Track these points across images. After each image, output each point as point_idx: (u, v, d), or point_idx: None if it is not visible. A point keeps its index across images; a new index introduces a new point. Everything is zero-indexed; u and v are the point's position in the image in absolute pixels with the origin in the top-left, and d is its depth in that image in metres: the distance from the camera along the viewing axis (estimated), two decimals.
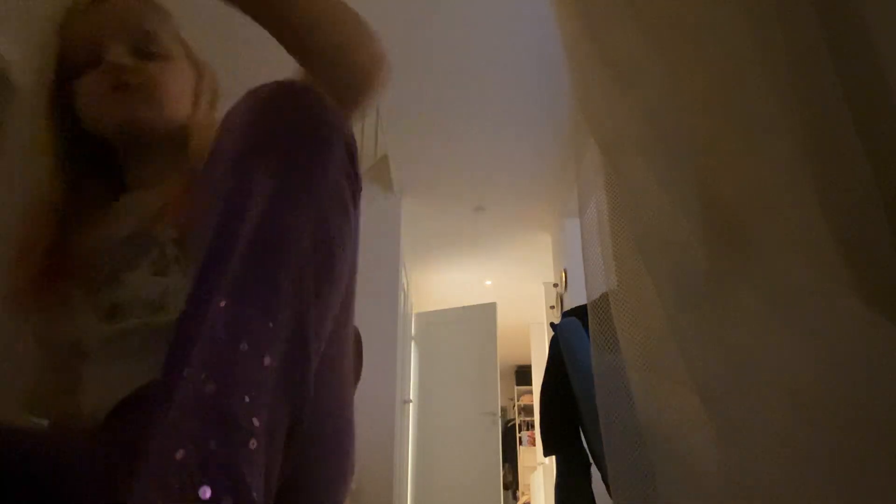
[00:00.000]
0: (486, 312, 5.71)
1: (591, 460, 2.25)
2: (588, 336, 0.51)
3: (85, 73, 0.82)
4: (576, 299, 4.58)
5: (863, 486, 0.36)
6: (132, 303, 0.75)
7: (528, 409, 8.20)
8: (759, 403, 0.38)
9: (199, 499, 0.36)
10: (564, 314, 2.37)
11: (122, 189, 0.86)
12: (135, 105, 0.80)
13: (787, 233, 0.42)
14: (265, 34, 0.74)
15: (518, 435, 8.33)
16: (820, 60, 0.44)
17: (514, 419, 8.54)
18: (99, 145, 0.85)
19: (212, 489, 0.37)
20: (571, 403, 2.00)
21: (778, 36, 0.46)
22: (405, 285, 4.80)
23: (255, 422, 0.41)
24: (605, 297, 0.50)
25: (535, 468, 6.65)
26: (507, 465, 7.42)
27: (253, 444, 0.40)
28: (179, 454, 0.38)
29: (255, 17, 0.69)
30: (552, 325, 2.25)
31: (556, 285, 5.52)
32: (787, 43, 0.46)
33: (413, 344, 5.54)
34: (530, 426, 8.27)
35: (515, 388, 8.79)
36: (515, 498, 7.65)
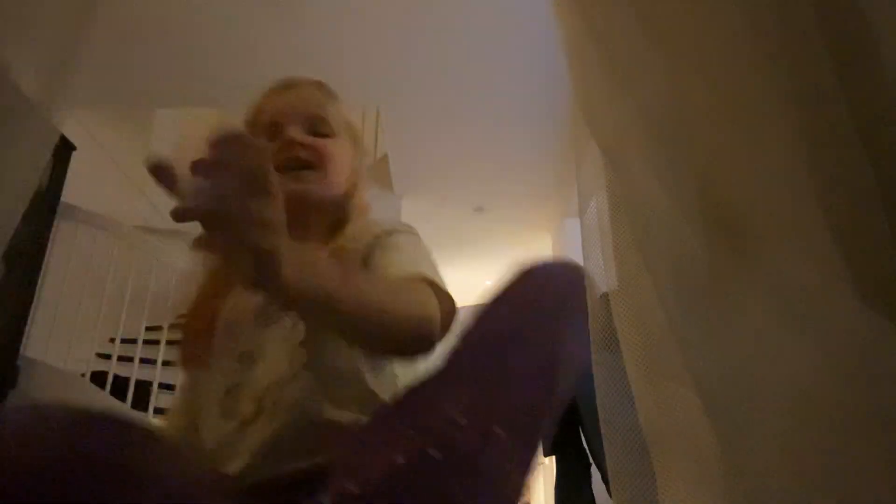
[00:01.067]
0: None
1: (591, 460, 2.25)
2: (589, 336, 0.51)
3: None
4: None
5: (864, 488, 0.36)
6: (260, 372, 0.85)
7: None
8: (760, 404, 0.38)
9: None
10: None
11: None
12: (303, 176, 0.94)
13: (787, 234, 0.42)
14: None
15: None
16: (820, 62, 0.44)
17: None
18: None
19: None
20: (571, 404, 2.00)
21: (778, 38, 0.46)
22: None
23: None
24: (605, 298, 0.50)
25: None
26: None
27: None
28: None
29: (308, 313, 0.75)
30: None
31: None
32: (787, 45, 0.46)
33: None
34: None
35: None
36: None
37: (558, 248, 5.49)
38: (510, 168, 4.75)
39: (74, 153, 3.57)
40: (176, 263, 4.11)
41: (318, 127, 0.99)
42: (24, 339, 3.43)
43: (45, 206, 3.47)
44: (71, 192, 3.67)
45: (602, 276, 0.52)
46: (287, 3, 3.19)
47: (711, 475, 0.40)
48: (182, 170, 0.57)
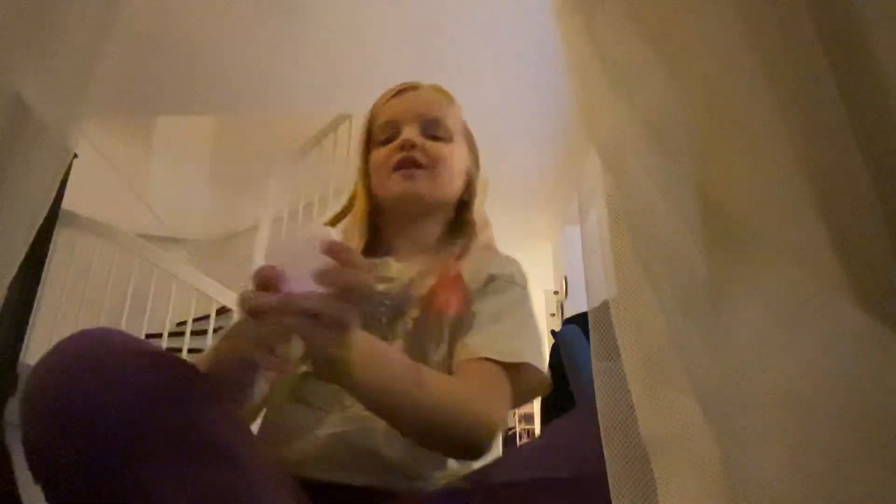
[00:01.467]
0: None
1: None
2: (589, 344, 0.51)
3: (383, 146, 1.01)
4: (577, 307, 4.58)
5: (866, 496, 0.35)
6: None
7: (528, 418, 8.17)
8: (760, 412, 0.38)
9: None
10: (565, 322, 2.37)
11: (371, 251, 1.03)
12: (415, 175, 0.97)
13: (786, 240, 0.42)
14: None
15: (519, 443, 8.30)
16: (818, 68, 0.44)
17: (514, 427, 8.51)
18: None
19: None
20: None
21: (777, 44, 0.46)
22: None
23: None
24: (605, 305, 0.50)
25: None
26: None
27: None
28: None
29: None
30: (553, 332, 2.25)
31: (556, 293, 5.52)
32: (785, 49, 0.46)
33: None
34: (531, 434, 8.24)
35: None
36: None
37: (559, 255, 5.49)
38: (510, 176, 4.76)
39: (75, 160, 3.57)
40: (176, 271, 4.11)
41: (435, 130, 1.02)
42: (24, 346, 3.43)
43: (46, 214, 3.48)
44: (71, 200, 3.68)
45: (602, 284, 0.52)
46: (288, 12, 3.20)
47: (712, 483, 0.40)
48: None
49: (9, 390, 3.16)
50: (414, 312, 0.89)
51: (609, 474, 0.45)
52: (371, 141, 1.06)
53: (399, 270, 0.96)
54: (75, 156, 3.53)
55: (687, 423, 0.42)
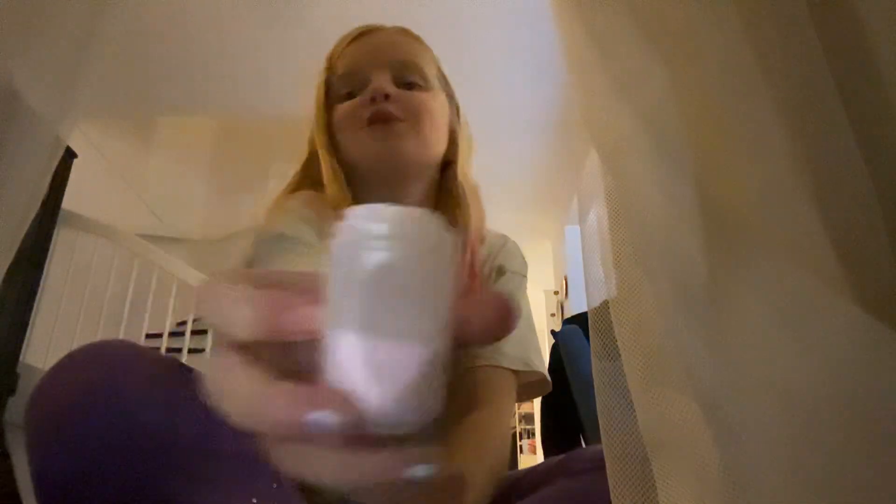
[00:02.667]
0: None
1: None
2: (589, 344, 0.51)
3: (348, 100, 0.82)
4: (577, 307, 4.58)
5: (865, 497, 0.35)
6: None
7: (528, 418, 8.17)
8: (759, 411, 0.38)
9: None
10: (566, 322, 2.37)
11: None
12: (396, 131, 0.79)
13: (786, 240, 0.42)
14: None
15: (519, 443, 8.30)
16: (818, 68, 0.44)
17: (514, 427, 8.51)
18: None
19: None
20: (572, 411, 2.00)
21: (777, 44, 0.46)
22: None
23: None
24: (605, 305, 0.50)
25: None
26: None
27: None
28: None
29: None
30: (553, 332, 2.25)
31: (556, 293, 5.51)
32: (785, 51, 0.46)
33: None
34: (531, 434, 8.24)
35: None
36: None
37: (559, 255, 5.49)
38: (510, 176, 4.76)
39: (75, 161, 3.58)
40: (176, 271, 4.11)
41: (410, 76, 0.84)
42: (24, 347, 3.43)
43: (45, 213, 3.48)
44: (71, 200, 3.68)
45: (602, 284, 0.52)
46: (286, 11, 3.20)
47: (712, 483, 0.40)
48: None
49: (9, 390, 3.16)
50: None
51: (609, 474, 0.45)
52: (331, 97, 0.87)
53: None
54: (75, 156, 3.54)
55: (687, 422, 0.42)
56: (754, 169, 0.45)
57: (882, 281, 0.41)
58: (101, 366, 0.54)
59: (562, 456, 0.70)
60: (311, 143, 0.90)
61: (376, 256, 0.25)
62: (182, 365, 0.61)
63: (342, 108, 0.83)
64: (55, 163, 0.76)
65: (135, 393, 0.52)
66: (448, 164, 0.89)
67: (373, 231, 0.26)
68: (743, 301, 0.41)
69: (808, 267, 0.40)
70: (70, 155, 3.49)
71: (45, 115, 0.74)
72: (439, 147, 0.86)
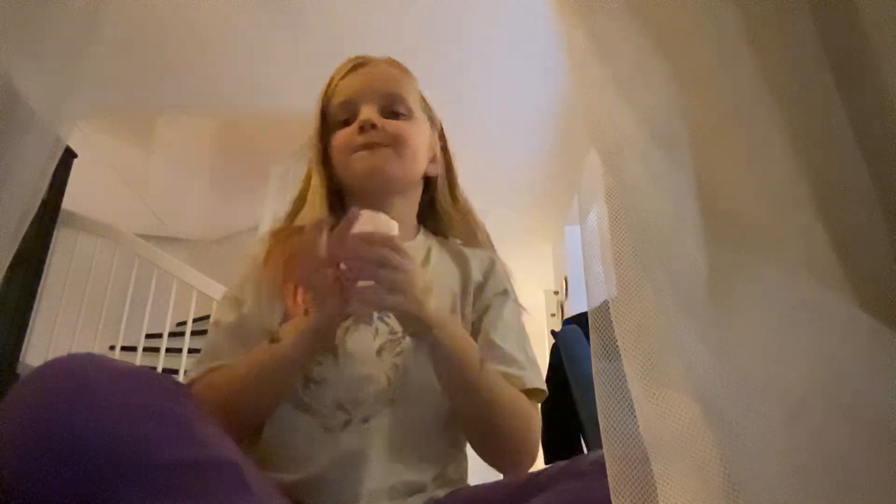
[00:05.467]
0: None
1: None
2: (589, 344, 0.51)
3: (341, 129, 0.97)
4: (577, 307, 4.58)
5: (863, 494, 0.35)
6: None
7: None
8: (759, 411, 0.38)
9: None
10: (566, 322, 2.37)
11: None
12: (379, 154, 0.94)
13: (786, 241, 0.42)
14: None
15: None
16: (819, 70, 0.44)
17: None
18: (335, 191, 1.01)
19: None
20: (572, 411, 2.00)
21: (777, 46, 0.46)
22: None
23: None
24: (605, 305, 0.50)
25: None
26: None
27: None
28: None
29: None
30: (553, 332, 2.25)
31: (556, 293, 5.51)
32: (786, 53, 0.46)
33: None
34: None
35: None
36: None
37: (559, 255, 5.49)
38: (510, 176, 4.76)
39: (75, 160, 3.58)
40: (176, 271, 4.11)
41: (395, 107, 0.98)
42: (24, 346, 3.43)
43: (45, 213, 3.48)
44: (71, 200, 3.68)
45: (602, 284, 0.52)
46: (288, 11, 3.20)
47: (712, 484, 0.40)
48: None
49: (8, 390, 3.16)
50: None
51: (609, 474, 0.45)
52: (327, 121, 1.01)
53: None
54: (75, 156, 3.54)
55: (687, 423, 0.42)
56: (755, 169, 0.45)
57: (882, 281, 0.41)
58: (71, 375, 0.53)
59: (567, 461, 0.70)
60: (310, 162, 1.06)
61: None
62: (155, 375, 0.61)
63: (338, 136, 0.98)
64: (55, 163, 0.76)
65: (102, 403, 0.52)
66: (429, 180, 1.05)
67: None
68: (743, 301, 0.41)
69: (808, 267, 0.40)
70: (70, 155, 3.49)
71: (45, 115, 0.74)
72: (419, 167, 1.01)
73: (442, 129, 1.09)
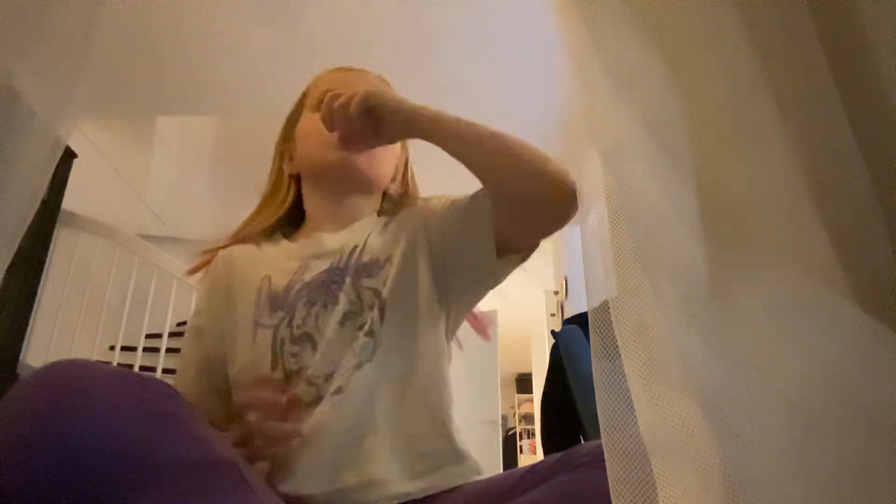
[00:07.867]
0: (487, 320, 5.70)
1: None
2: (589, 344, 0.51)
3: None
4: (577, 307, 4.57)
5: (865, 495, 0.35)
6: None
7: (528, 418, 8.17)
8: (759, 412, 0.38)
9: None
10: (566, 322, 2.37)
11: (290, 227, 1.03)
12: (354, 153, 0.94)
13: (786, 240, 0.42)
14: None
15: (519, 443, 8.30)
16: (818, 70, 0.44)
17: (514, 427, 8.51)
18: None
19: None
20: (572, 411, 2.00)
21: (777, 46, 0.46)
22: None
23: None
24: (605, 305, 0.50)
25: None
26: None
27: None
28: None
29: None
30: (553, 332, 2.25)
31: (556, 293, 5.51)
32: (786, 52, 0.46)
33: None
34: (531, 434, 8.24)
35: (516, 396, 8.75)
36: None
37: (559, 255, 5.48)
38: None
39: (75, 161, 3.58)
40: (176, 271, 4.11)
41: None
42: (24, 346, 3.42)
43: (45, 213, 3.48)
44: (71, 200, 3.68)
45: (602, 284, 0.52)
46: (286, 14, 3.20)
47: (712, 483, 0.40)
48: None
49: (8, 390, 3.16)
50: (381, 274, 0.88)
51: (609, 474, 0.45)
52: (302, 109, 1.05)
53: (338, 241, 0.94)
54: (75, 156, 3.54)
55: (687, 423, 0.42)
56: (754, 169, 0.45)
57: (882, 281, 0.41)
58: (66, 378, 0.52)
59: (562, 453, 0.70)
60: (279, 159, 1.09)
61: None
62: (150, 378, 0.59)
63: (311, 118, 1.00)
64: (55, 163, 0.76)
65: (98, 405, 0.51)
66: (393, 181, 1.07)
67: None
68: (743, 301, 0.41)
69: (807, 267, 0.40)
70: (70, 155, 3.49)
71: (45, 115, 0.74)
72: (387, 174, 1.04)
73: (409, 157, 1.13)
